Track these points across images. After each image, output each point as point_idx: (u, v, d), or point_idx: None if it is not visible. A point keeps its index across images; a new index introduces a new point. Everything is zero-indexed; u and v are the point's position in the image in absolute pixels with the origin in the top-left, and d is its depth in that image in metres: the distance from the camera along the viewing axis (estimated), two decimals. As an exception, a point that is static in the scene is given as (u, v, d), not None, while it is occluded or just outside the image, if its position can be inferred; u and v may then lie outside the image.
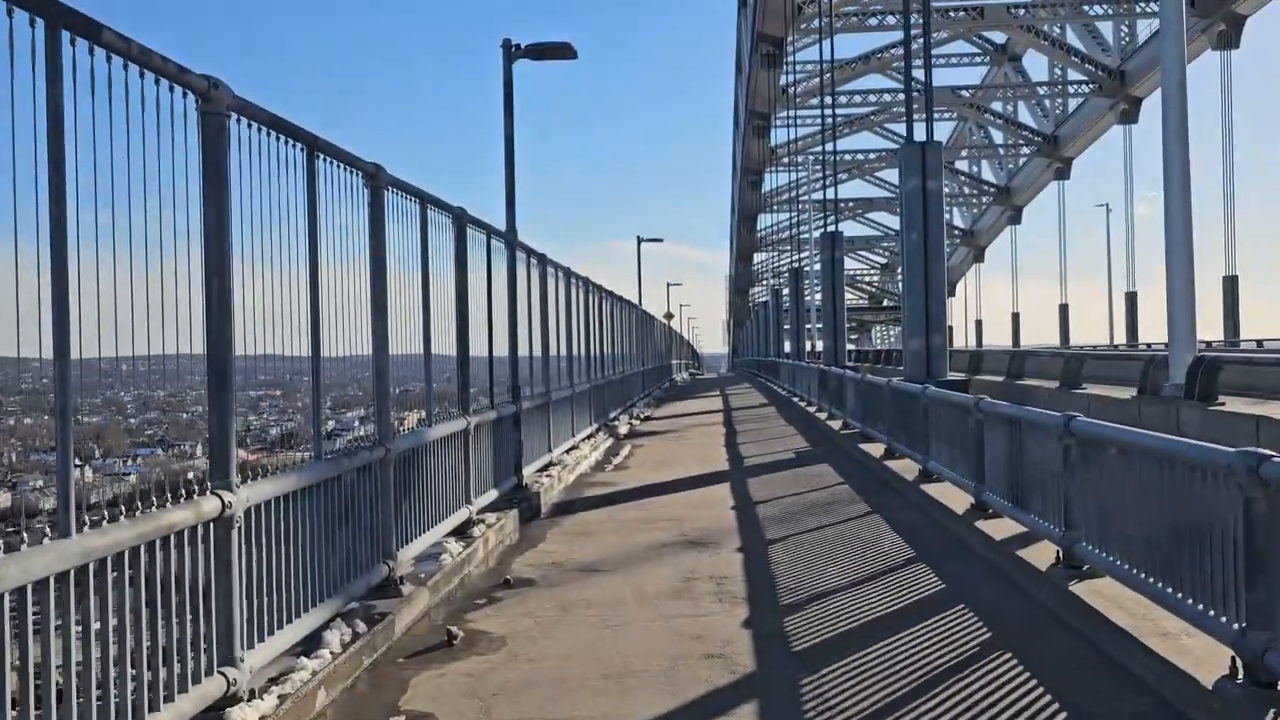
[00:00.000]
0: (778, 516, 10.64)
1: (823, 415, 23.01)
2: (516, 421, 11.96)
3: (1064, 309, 53.38)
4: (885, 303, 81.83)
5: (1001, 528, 8.53)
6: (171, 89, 4.27)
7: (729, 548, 9.12)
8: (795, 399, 30.79)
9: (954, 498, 10.13)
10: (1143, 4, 41.34)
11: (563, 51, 16.13)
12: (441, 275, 8.94)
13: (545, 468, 13.86)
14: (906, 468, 12.82)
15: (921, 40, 19.47)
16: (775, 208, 69.74)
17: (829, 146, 37.55)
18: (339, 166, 6.26)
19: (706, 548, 9.15)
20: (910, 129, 19.39)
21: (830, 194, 36.41)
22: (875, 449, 15.22)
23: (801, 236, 50.52)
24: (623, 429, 22.24)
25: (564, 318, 16.47)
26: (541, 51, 16.15)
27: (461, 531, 9.14)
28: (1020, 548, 7.79)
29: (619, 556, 8.95)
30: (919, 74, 19.78)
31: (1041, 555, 7.34)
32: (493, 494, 10.54)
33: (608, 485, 13.83)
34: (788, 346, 44.87)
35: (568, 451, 15.88)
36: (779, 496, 11.99)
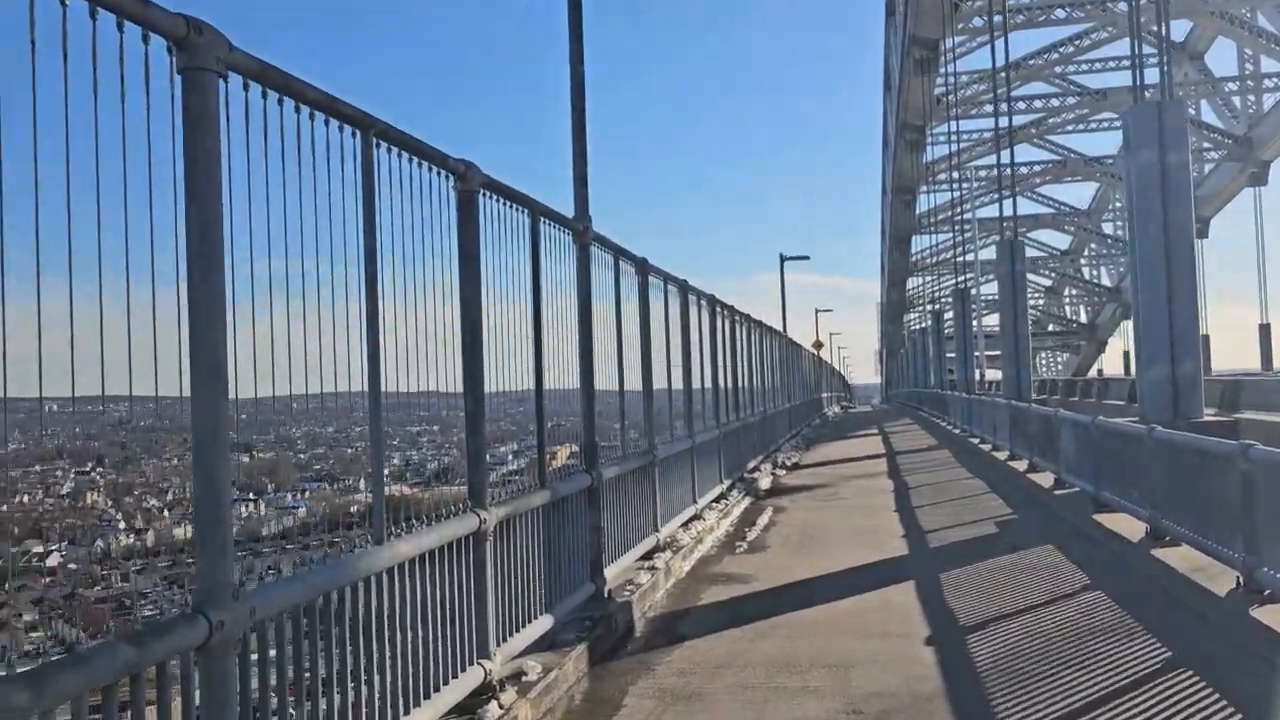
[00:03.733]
0: (1016, 668, 6.28)
1: (1017, 464, 18.28)
2: (592, 497, 8.11)
3: (1264, 329, 46.53)
4: (1051, 327, 75.14)
5: None
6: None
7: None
8: (972, 439, 25.88)
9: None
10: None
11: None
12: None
13: (650, 554, 9.95)
14: (1197, 565, 8.33)
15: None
16: (932, 228, 64.64)
17: (1003, 155, 32.50)
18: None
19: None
20: (1139, 86, 14.63)
21: (1008, 207, 31.30)
22: (1122, 524, 10.68)
23: (965, 258, 45.39)
24: (764, 482, 18.12)
25: (706, 352, 14.67)
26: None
27: (470, 709, 5.38)
28: None
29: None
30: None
31: None
32: (545, 623, 6.70)
33: (735, 581, 9.77)
34: (938, 374, 39.76)
35: (686, 525, 11.90)
36: (1000, 616, 7.64)
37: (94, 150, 3.03)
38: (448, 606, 5.27)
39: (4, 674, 2.61)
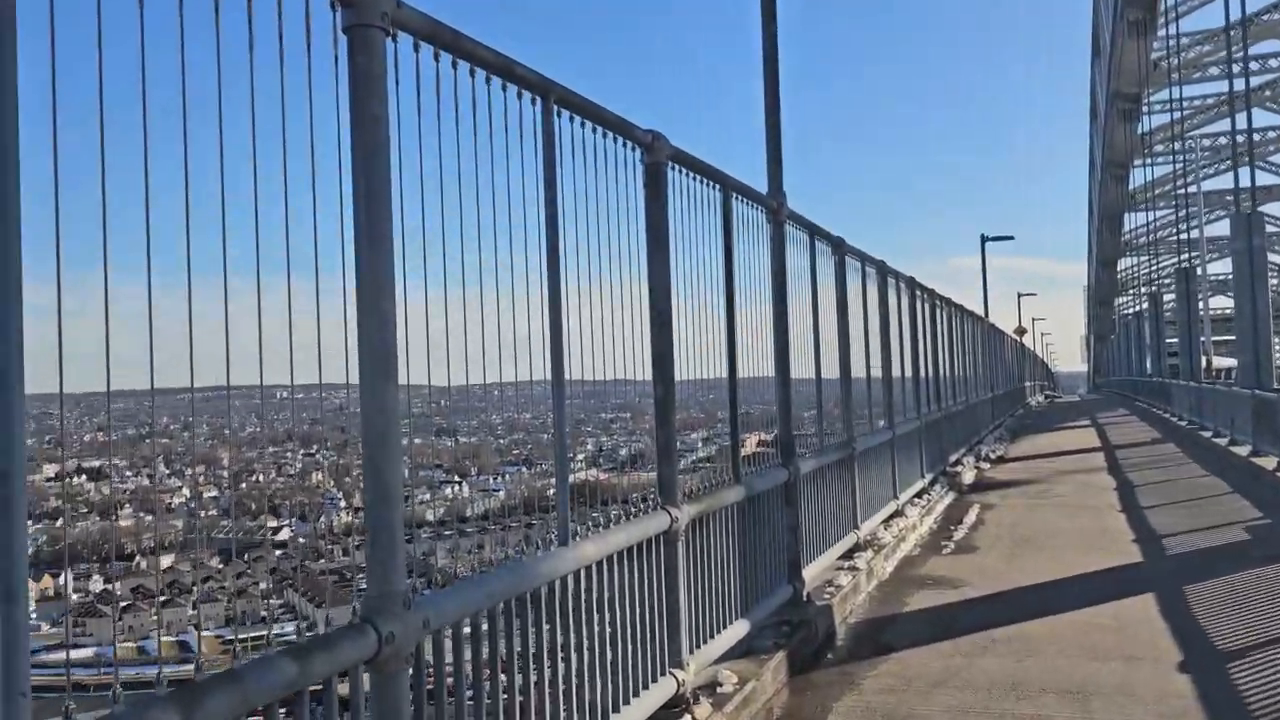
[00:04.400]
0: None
1: (1262, 462, 16.41)
2: (789, 493, 7.56)
3: None
4: (1288, 310, 68.26)
5: None
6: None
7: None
8: (1202, 432, 23.60)
9: None
10: None
11: None
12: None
13: (849, 554, 9.31)
14: None
15: None
16: (1146, 204, 60.03)
17: (1239, 121, 29.39)
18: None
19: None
20: None
21: (1243, 176, 28.32)
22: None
23: (1188, 235, 41.71)
24: (967, 476, 17.00)
25: (906, 337, 13.87)
26: None
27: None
28: None
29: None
30: None
31: None
32: (741, 628, 6.23)
33: (944, 586, 8.99)
34: (1156, 361, 36.60)
35: (887, 522, 11.16)
36: (1268, 641, 6.60)
37: (250, 120, 2.76)
38: (637, 611, 4.89)
39: (155, 693, 2.36)
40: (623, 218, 5.11)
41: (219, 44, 2.66)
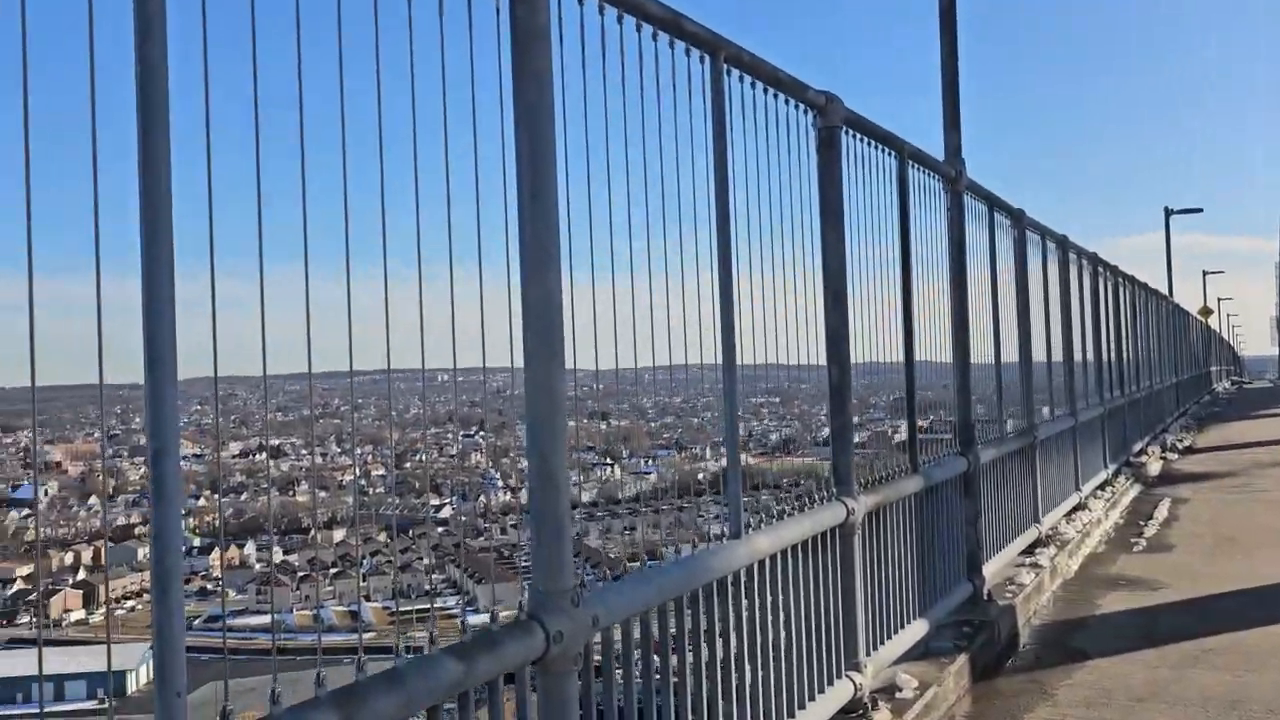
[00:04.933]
0: None
1: None
2: (969, 484, 7.05)
3: None
4: None
5: None
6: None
7: None
8: None
9: None
10: None
11: None
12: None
13: (1029, 549, 8.69)
14: None
15: None
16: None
17: None
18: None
19: None
20: None
21: None
22: None
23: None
24: (1153, 467, 15.82)
25: (1088, 318, 13.02)
26: None
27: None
28: None
29: None
30: None
31: None
32: (919, 628, 5.81)
33: (1139, 587, 8.27)
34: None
35: (1069, 516, 10.40)
36: None
37: (410, 86, 2.57)
38: (811, 609, 4.56)
39: (316, 695, 2.20)
40: (793, 187, 4.78)
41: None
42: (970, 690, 5.81)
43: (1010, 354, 9.09)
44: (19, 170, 1.79)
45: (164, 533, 1.84)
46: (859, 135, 5.45)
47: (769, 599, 4.19)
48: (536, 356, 2.81)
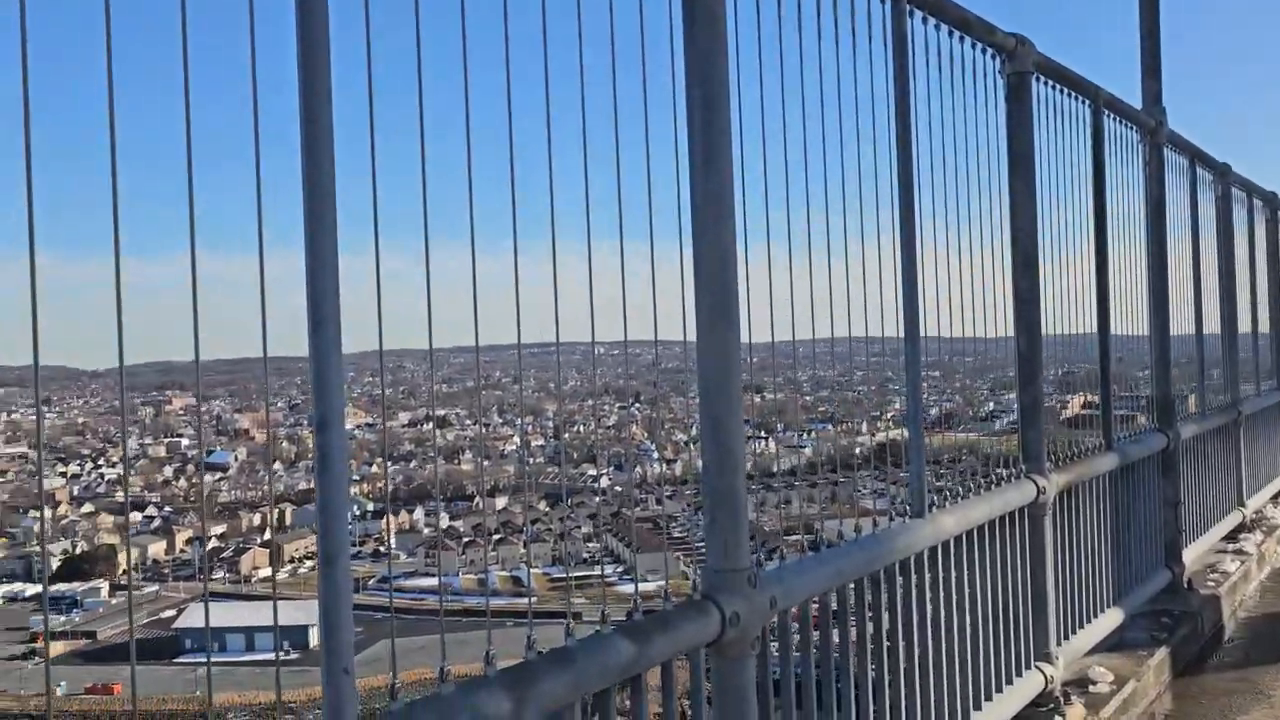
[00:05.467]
0: None
1: None
2: (1167, 463, 6.48)
3: None
4: None
5: None
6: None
7: None
8: None
9: None
10: None
11: None
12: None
13: (1232, 535, 7.97)
14: None
15: None
16: None
17: None
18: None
19: None
20: None
21: None
22: None
23: None
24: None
25: None
26: None
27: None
28: None
29: None
30: None
31: None
32: (1113, 617, 5.37)
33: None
34: None
35: (1276, 499, 9.52)
36: None
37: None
38: (998, 595, 4.25)
39: (487, 674, 2.10)
40: (979, 140, 4.43)
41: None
42: (1171, 686, 5.34)
43: (1212, 324, 8.34)
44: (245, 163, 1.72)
45: (329, 505, 1.76)
46: (1050, 82, 5.02)
47: (953, 583, 3.91)
48: (711, 322, 2.63)
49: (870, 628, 3.46)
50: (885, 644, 3.47)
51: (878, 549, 3.40)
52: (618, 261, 2.53)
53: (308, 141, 1.76)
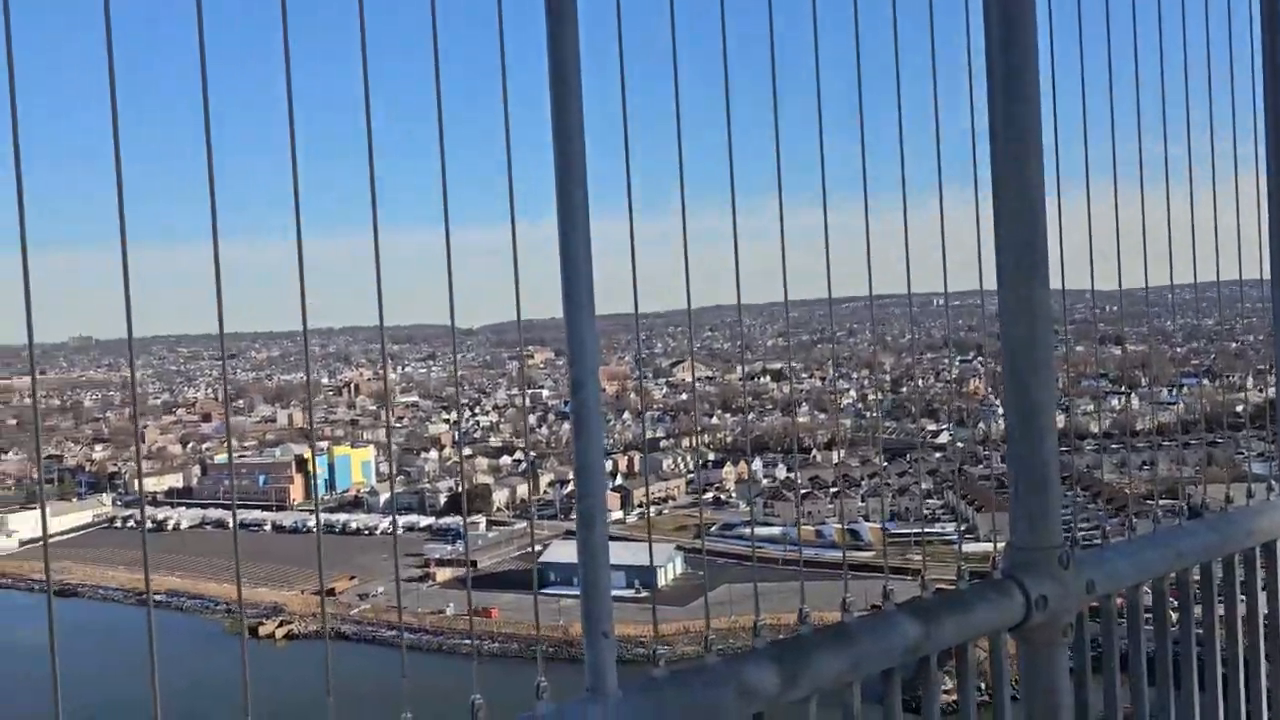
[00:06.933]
0: None
1: None
2: None
3: None
4: None
5: None
6: None
7: None
8: None
9: None
10: None
11: None
12: None
13: None
14: None
15: None
16: None
17: None
18: None
19: None
20: None
21: None
22: None
23: None
24: None
25: None
26: None
27: None
28: None
29: None
30: None
31: None
32: None
33: None
34: None
35: None
36: None
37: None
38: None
39: (757, 647, 2.04)
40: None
41: None
42: None
43: None
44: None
45: (585, 467, 1.76)
46: None
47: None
48: (1012, 273, 2.37)
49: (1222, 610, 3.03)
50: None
51: (1231, 530, 2.95)
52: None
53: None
